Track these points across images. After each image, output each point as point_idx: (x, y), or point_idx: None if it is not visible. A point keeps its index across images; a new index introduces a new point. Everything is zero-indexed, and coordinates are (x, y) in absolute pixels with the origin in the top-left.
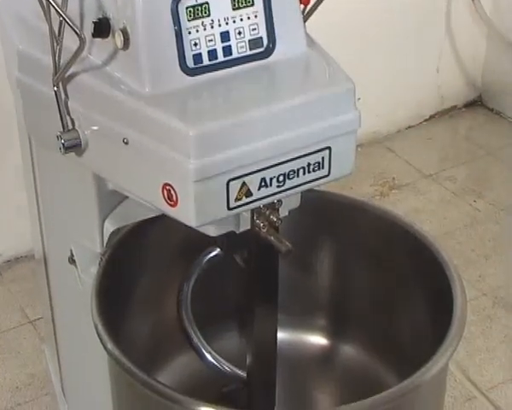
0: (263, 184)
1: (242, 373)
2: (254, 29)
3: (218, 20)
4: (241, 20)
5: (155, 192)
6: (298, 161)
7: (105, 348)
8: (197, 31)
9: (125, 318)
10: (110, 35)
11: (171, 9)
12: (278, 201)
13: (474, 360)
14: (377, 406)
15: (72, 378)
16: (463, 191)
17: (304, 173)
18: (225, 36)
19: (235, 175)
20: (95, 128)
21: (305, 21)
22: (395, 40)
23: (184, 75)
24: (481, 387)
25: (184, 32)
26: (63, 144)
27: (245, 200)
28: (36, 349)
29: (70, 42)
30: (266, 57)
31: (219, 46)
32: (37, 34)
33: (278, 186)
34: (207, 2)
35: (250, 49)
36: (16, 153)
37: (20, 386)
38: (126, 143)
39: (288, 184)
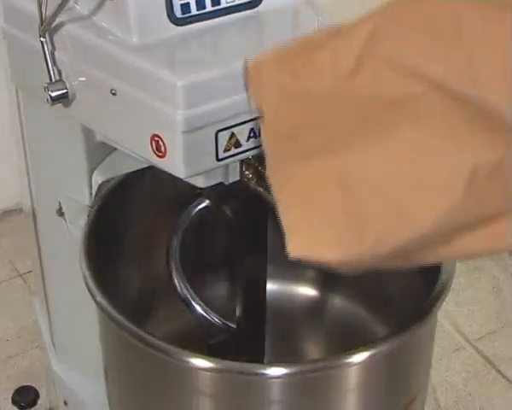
0: (252, 134)
1: (231, 324)
2: None
3: None
4: None
5: (144, 143)
6: None
7: (94, 300)
8: None
9: (114, 270)
10: None
11: None
12: None
13: (462, 311)
14: (365, 357)
15: (62, 331)
16: None
17: None
18: None
19: (224, 126)
20: (82, 79)
21: None
22: None
23: (172, 25)
24: (469, 337)
25: None
26: (50, 96)
27: (234, 151)
28: (26, 302)
29: None
30: (255, 7)
31: None
32: None
33: None
34: None
35: None
36: (3, 106)
37: (10, 339)
38: (114, 94)
39: None
